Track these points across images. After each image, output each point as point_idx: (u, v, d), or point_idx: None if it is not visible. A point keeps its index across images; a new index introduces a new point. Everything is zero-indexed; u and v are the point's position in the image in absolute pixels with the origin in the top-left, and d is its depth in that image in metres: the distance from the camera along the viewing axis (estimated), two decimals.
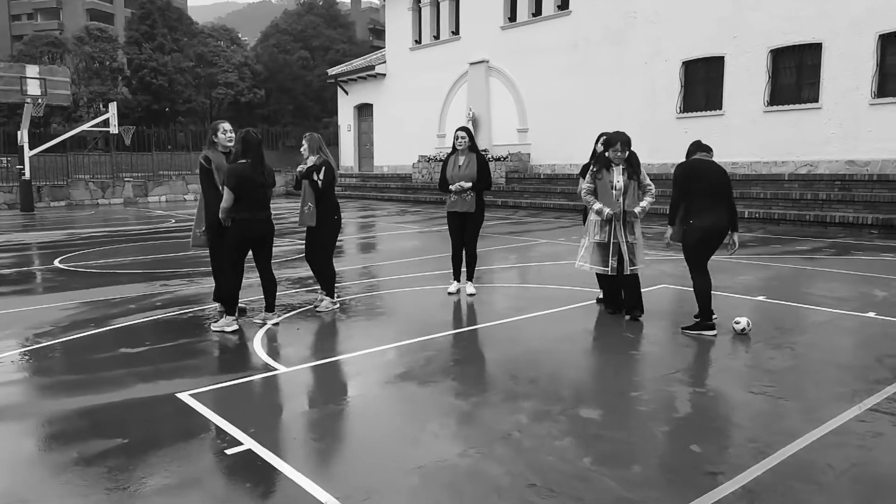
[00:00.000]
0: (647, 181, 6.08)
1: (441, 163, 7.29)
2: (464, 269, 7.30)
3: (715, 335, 5.41)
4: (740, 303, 6.65)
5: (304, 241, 6.83)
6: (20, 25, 69.94)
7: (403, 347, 5.29)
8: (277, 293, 6.27)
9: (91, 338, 5.77)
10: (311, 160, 6.55)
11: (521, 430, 3.61)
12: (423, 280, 8.22)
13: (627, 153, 5.97)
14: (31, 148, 21.55)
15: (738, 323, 5.46)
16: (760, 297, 6.83)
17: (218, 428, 3.72)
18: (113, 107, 22.78)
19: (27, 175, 21.55)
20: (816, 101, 15.33)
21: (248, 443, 3.50)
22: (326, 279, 6.70)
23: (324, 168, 6.45)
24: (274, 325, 5.97)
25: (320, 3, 54.63)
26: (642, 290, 6.17)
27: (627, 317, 6.04)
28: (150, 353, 5.30)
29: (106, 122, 22.96)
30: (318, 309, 6.58)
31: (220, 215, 5.71)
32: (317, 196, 6.49)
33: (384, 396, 4.26)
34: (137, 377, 4.68)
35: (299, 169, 6.54)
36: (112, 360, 5.14)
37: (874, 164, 14.41)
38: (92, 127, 23.68)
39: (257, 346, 5.37)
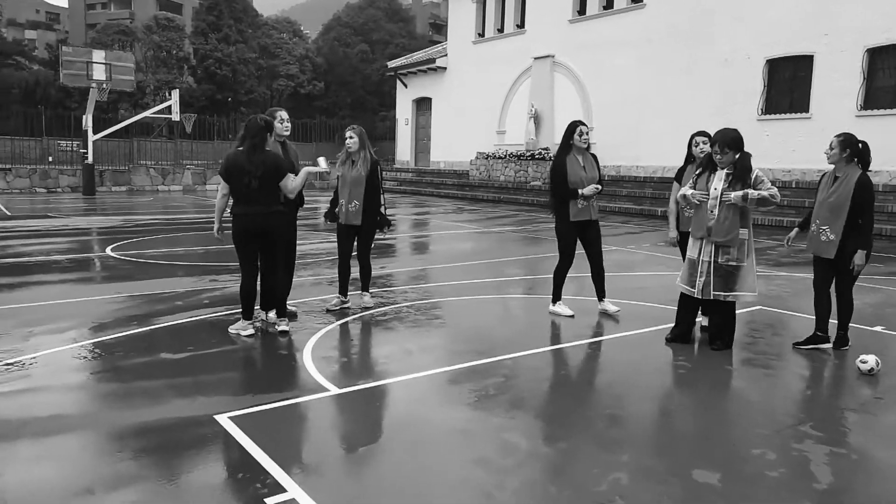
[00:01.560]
0: (767, 185, 4.94)
1: (558, 163, 6.08)
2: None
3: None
4: (854, 334, 5.76)
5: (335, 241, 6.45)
6: (94, 14, 72.24)
7: (468, 370, 4.66)
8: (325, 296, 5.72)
9: (131, 338, 5.34)
10: (356, 158, 6.15)
11: (623, 497, 2.93)
12: (485, 288, 7.58)
13: (735, 155, 5.01)
14: (94, 133, 21.81)
15: (864, 362, 4.62)
16: (878, 328, 5.93)
17: (258, 465, 3.17)
18: (175, 94, 22.90)
19: (90, 159, 21.82)
20: None
21: (293, 490, 2.93)
22: (369, 276, 6.53)
23: (378, 168, 6.21)
24: (282, 332, 5.43)
25: None
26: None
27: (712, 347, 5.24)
28: (192, 360, 4.82)
29: (168, 110, 23.08)
30: (366, 305, 6.40)
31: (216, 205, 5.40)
32: (367, 195, 6.13)
33: (451, 436, 3.63)
34: (175, 391, 4.19)
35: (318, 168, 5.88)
36: (150, 367, 4.68)
37: None
38: (154, 114, 23.88)
39: (307, 360, 4.82)
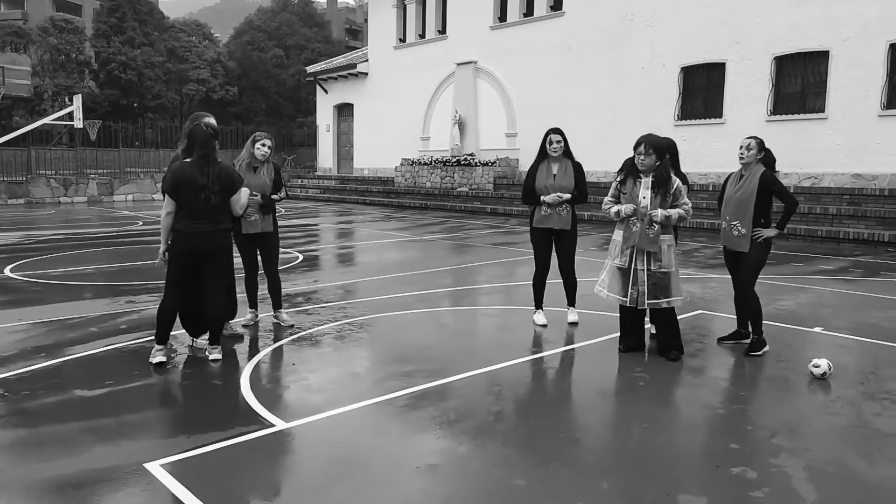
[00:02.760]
0: (683, 199, 5.04)
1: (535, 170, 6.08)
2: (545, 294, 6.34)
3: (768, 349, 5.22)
4: (796, 336, 5.87)
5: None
6: None
7: (423, 394, 4.36)
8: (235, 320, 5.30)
9: (39, 373, 4.72)
10: (262, 166, 5.85)
11: None
12: (423, 300, 7.30)
13: (657, 160, 4.98)
14: None
15: (817, 366, 4.64)
16: (817, 329, 6.05)
17: None
18: (77, 99, 21.43)
19: None
20: (823, 110, 14.79)
21: None
22: (279, 291, 6.16)
23: (279, 172, 5.99)
24: (213, 360, 4.98)
25: (295, 1, 53.40)
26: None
27: (668, 358, 5.18)
28: (112, 397, 4.29)
29: (70, 116, 21.55)
30: (284, 323, 6.06)
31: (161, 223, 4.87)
32: (265, 205, 5.80)
33: (418, 475, 3.33)
34: (95, 436, 3.68)
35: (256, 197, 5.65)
36: (63, 407, 4.12)
37: (882, 178, 13.89)
38: (54, 120, 22.26)
39: (245, 390, 4.39)
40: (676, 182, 5.06)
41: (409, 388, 4.43)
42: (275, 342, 5.58)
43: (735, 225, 5.23)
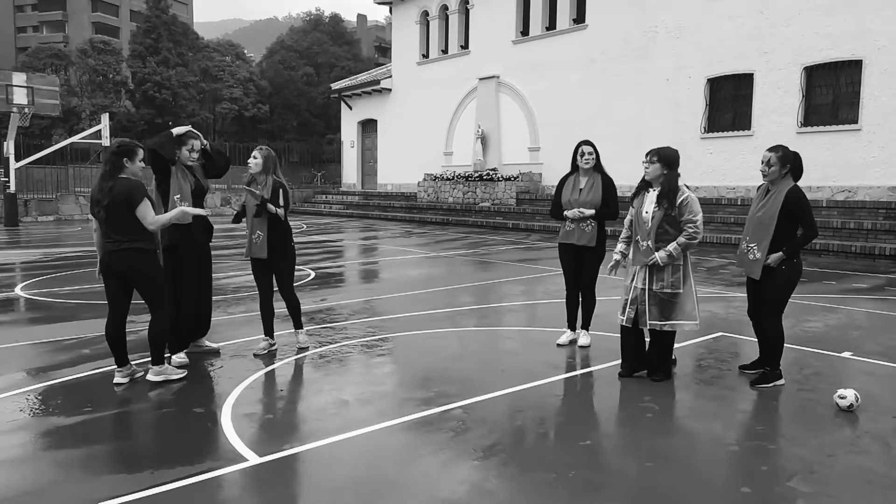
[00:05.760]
0: (691, 216, 4.69)
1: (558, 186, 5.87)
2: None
3: (784, 383, 4.76)
4: (822, 361, 5.45)
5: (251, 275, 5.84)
6: (25, 38, 69.57)
7: (416, 423, 4.10)
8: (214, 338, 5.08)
9: (19, 399, 4.58)
10: (260, 181, 5.56)
11: None
12: (436, 320, 7.04)
13: (663, 170, 4.73)
14: (18, 160, 20.49)
15: (843, 398, 4.25)
16: (846, 354, 5.63)
17: None
18: (105, 118, 21.73)
19: (12, 188, 20.47)
20: (856, 122, 14.21)
21: None
22: (297, 311, 5.88)
23: (281, 193, 5.52)
24: (152, 380, 4.84)
25: (326, 21, 54.07)
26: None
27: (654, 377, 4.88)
28: (88, 425, 4.11)
29: (98, 135, 21.92)
30: (300, 344, 5.84)
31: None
32: (271, 224, 5.51)
33: None
34: (56, 468, 3.49)
35: (247, 189, 5.46)
36: (34, 435, 3.95)
37: None
38: (83, 139, 22.65)
39: (226, 419, 4.17)
40: (685, 195, 4.74)
41: (402, 416, 4.17)
42: (268, 365, 5.37)
43: (752, 248, 4.78)
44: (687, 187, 4.88)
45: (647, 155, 4.85)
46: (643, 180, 4.94)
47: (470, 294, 8.69)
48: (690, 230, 4.67)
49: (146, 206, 4.71)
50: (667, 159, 4.76)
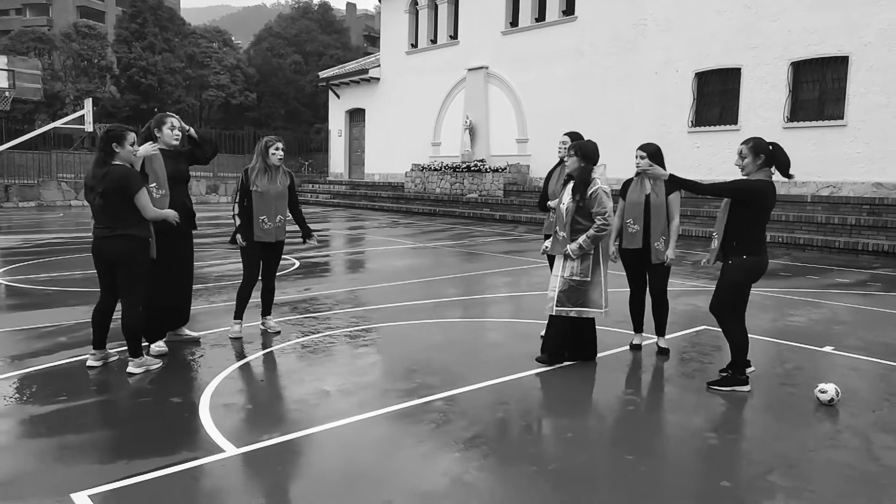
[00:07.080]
0: (600, 208, 4.76)
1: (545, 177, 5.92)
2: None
3: (749, 391, 4.49)
4: (804, 356, 5.47)
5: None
6: (8, 20, 68.29)
7: (398, 414, 4.06)
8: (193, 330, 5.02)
9: None
10: (279, 168, 5.78)
11: None
12: (421, 311, 7.00)
13: (580, 163, 4.86)
14: None
15: (823, 392, 4.26)
16: (827, 348, 5.65)
17: None
18: (88, 103, 21.45)
19: None
20: (841, 117, 14.29)
21: None
22: (272, 297, 6.09)
23: (293, 180, 5.99)
24: (128, 374, 4.76)
25: (315, 8, 53.61)
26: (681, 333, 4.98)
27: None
28: (62, 415, 4.04)
29: (82, 120, 21.62)
30: (271, 329, 5.96)
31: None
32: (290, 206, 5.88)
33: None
34: (29, 458, 3.42)
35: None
36: (8, 424, 3.88)
37: None
38: (66, 124, 22.33)
39: (203, 409, 4.11)
40: (595, 188, 4.85)
41: (383, 406, 4.13)
42: (249, 355, 5.31)
43: (715, 237, 4.64)
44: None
45: (568, 149, 5.00)
46: (568, 173, 5.06)
47: (455, 285, 8.66)
48: (599, 222, 4.81)
49: (144, 196, 4.65)
50: (584, 153, 4.89)
